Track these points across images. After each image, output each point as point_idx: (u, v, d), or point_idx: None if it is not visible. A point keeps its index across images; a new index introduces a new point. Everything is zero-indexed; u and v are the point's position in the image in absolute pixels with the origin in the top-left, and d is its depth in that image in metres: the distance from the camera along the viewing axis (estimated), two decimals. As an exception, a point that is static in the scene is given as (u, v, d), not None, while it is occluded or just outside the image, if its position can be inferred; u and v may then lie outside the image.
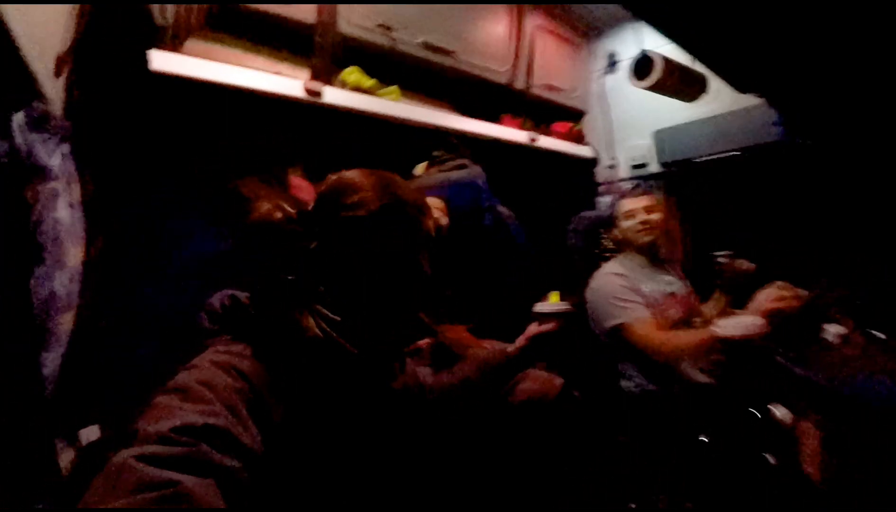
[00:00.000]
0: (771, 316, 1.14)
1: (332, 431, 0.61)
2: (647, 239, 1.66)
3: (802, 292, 1.18)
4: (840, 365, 0.84)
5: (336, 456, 0.61)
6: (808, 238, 1.72)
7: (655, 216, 1.66)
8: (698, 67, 1.52)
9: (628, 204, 1.70)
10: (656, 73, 1.42)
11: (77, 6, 0.91)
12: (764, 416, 0.75)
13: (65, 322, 0.84)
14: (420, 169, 1.56)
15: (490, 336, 1.11)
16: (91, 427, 0.79)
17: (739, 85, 1.20)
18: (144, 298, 1.12)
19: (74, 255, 0.88)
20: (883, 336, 1.02)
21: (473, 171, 1.56)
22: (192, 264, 1.16)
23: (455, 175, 1.52)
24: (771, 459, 0.73)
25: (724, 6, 0.88)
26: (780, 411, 0.75)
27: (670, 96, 1.63)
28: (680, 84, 1.54)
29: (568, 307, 0.94)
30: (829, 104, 1.23)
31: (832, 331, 1.03)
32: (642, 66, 1.47)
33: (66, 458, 0.76)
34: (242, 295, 0.69)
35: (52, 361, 0.80)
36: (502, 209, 1.70)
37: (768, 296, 1.26)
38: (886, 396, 0.67)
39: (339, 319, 0.65)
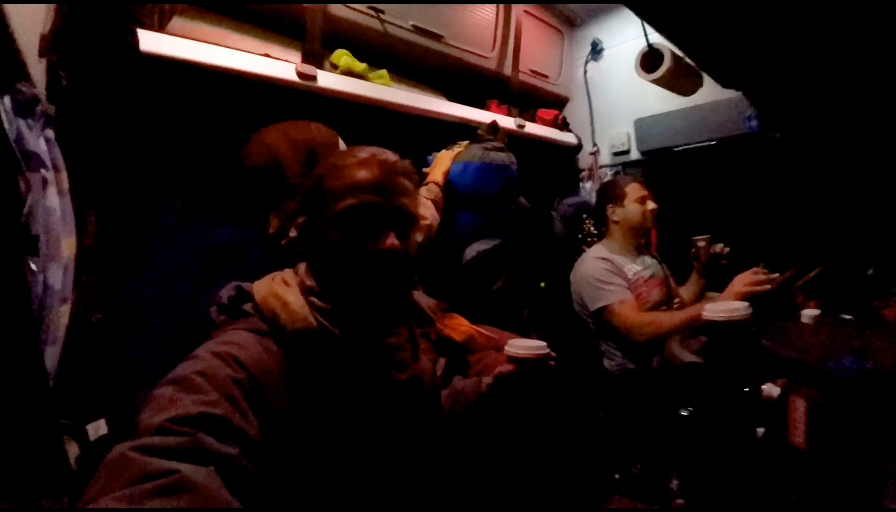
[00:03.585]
0: (746, 298, 1.24)
1: (332, 419, 0.61)
2: (651, 224, 1.74)
3: (776, 276, 1.28)
4: (816, 345, 0.93)
5: (336, 444, 0.60)
6: (779, 224, 1.83)
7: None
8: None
9: (640, 189, 1.72)
10: (665, 66, 1.44)
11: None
12: (754, 392, 0.83)
13: (62, 315, 0.82)
14: (462, 145, 1.57)
15: (494, 323, 1.14)
16: (98, 421, 0.78)
17: (723, 80, 1.25)
18: (132, 293, 1.08)
19: (67, 245, 0.85)
20: (850, 317, 1.13)
21: (509, 157, 1.58)
22: (181, 259, 1.13)
23: (494, 156, 1.53)
24: (759, 432, 0.81)
25: (712, 6, 0.92)
26: (769, 388, 0.82)
27: (671, 90, 1.67)
28: (683, 78, 1.57)
29: (537, 352, 0.77)
30: (799, 102, 1.31)
31: (807, 314, 1.13)
32: (650, 59, 1.49)
33: (72, 452, 0.75)
34: (247, 285, 0.70)
35: (51, 355, 0.78)
36: (521, 200, 1.73)
37: (743, 280, 1.36)
38: (855, 370, 0.76)
39: (328, 306, 0.65)
